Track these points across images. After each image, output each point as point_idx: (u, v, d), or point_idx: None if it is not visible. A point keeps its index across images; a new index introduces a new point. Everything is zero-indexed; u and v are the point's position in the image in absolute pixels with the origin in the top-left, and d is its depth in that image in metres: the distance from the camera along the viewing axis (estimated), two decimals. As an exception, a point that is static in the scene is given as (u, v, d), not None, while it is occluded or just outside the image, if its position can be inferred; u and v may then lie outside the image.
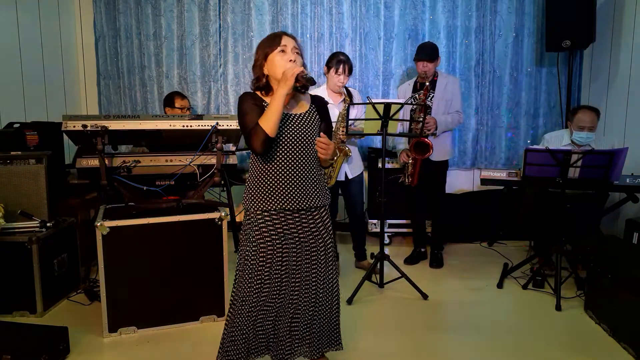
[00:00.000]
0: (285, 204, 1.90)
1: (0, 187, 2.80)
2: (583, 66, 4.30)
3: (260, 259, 1.90)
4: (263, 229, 1.90)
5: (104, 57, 4.53)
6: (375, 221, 4.22)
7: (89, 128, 2.52)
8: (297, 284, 1.95)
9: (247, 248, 1.93)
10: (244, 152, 4.13)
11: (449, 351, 2.45)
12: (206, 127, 2.69)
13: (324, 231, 2.00)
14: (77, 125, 2.53)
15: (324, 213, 2.02)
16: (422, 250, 3.85)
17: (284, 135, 1.88)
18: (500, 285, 3.28)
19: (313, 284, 1.97)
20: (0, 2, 3.51)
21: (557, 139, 3.42)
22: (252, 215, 1.93)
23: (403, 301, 3.05)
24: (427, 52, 3.47)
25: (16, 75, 3.68)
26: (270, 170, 1.90)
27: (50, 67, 4.10)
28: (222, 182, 2.82)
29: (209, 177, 2.74)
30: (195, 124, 2.70)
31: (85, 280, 3.27)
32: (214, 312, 2.74)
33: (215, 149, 2.70)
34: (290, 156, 1.89)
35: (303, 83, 1.83)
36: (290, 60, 1.85)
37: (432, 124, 3.42)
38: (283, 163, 1.89)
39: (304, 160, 1.91)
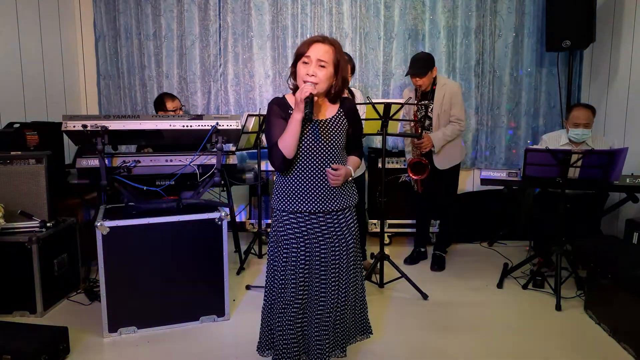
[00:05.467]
0: (310, 207, 1.92)
1: (0, 187, 2.80)
2: (583, 66, 4.30)
3: (283, 258, 1.94)
4: (288, 229, 1.94)
5: (104, 57, 4.52)
6: (375, 221, 4.22)
7: (89, 128, 2.52)
8: (323, 284, 1.96)
9: (274, 246, 1.98)
10: (244, 152, 4.13)
11: (449, 351, 2.44)
12: (206, 127, 2.69)
13: (347, 232, 2.00)
14: (77, 125, 2.53)
15: (348, 214, 2.03)
16: (422, 250, 3.85)
17: (308, 141, 1.89)
18: (500, 285, 3.28)
19: (336, 283, 1.97)
20: (0, 1, 3.51)
21: (555, 139, 3.42)
22: (278, 214, 1.97)
23: (403, 301, 3.05)
24: (418, 66, 3.38)
25: (16, 75, 3.68)
26: (295, 174, 1.92)
27: (50, 67, 4.09)
28: (222, 182, 2.82)
29: (209, 177, 2.74)
30: (195, 124, 2.70)
31: (85, 280, 3.27)
32: (214, 312, 2.74)
33: (215, 149, 2.69)
34: (314, 162, 1.90)
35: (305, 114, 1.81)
36: (308, 74, 1.83)
37: (427, 144, 3.41)
38: (307, 167, 1.90)
39: (328, 165, 1.92)
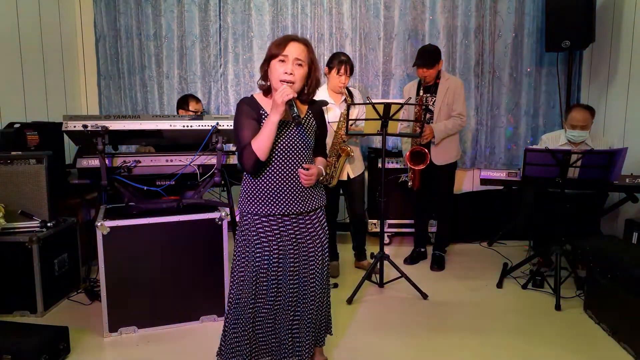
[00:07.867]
0: (282, 209, 1.90)
1: (0, 187, 2.80)
2: (583, 66, 4.30)
3: (257, 261, 1.90)
4: (260, 233, 1.91)
5: (105, 57, 4.53)
6: (375, 221, 4.22)
7: (89, 128, 2.52)
8: (295, 285, 1.96)
9: (243, 250, 1.93)
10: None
11: (448, 351, 2.45)
12: (206, 127, 2.69)
13: (320, 232, 2.01)
14: (77, 125, 2.53)
15: (320, 214, 2.04)
16: (422, 250, 3.85)
17: (279, 141, 1.87)
18: (499, 285, 3.28)
19: (311, 285, 1.98)
20: (1, 1, 3.51)
21: (554, 139, 3.42)
22: (248, 218, 1.93)
23: (403, 301, 3.05)
24: (425, 58, 3.39)
25: (16, 75, 3.68)
26: (267, 176, 1.90)
27: (50, 67, 4.10)
28: (223, 182, 2.82)
29: (209, 177, 2.74)
30: (195, 124, 2.71)
31: (86, 280, 3.27)
32: (214, 312, 2.74)
33: (215, 149, 2.70)
34: (285, 161, 1.89)
35: (290, 116, 1.79)
36: (286, 73, 1.81)
37: (429, 134, 3.41)
38: (279, 168, 1.89)
39: (299, 166, 1.91)
